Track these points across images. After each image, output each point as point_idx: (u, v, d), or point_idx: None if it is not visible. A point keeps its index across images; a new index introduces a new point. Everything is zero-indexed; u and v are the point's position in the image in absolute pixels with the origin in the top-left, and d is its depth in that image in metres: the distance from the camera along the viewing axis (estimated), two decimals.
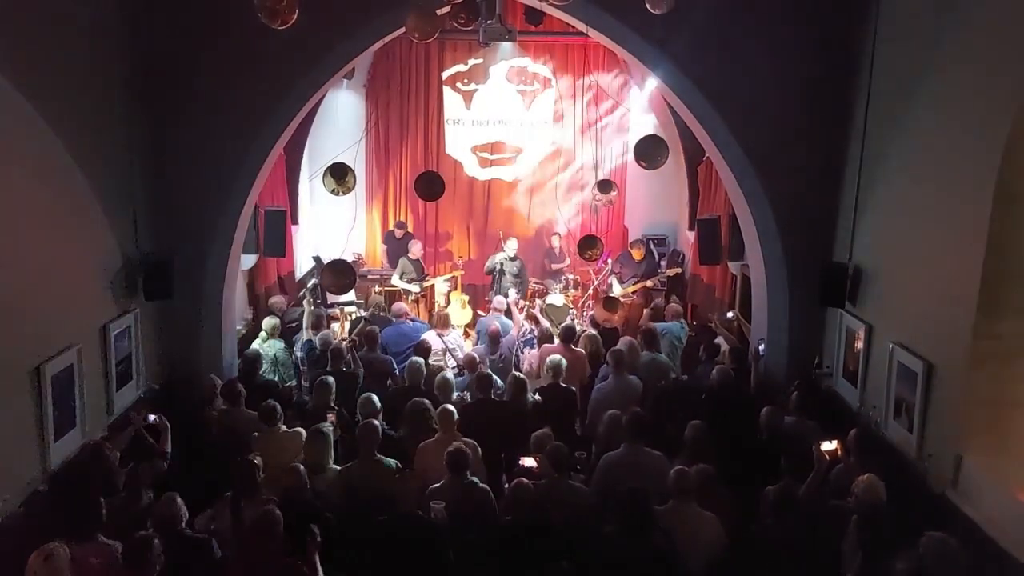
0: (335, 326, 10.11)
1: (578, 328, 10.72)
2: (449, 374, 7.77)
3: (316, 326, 9.21)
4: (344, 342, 8.51)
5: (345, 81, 12.56)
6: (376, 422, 6.07)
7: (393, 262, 12.58)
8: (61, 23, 5.98)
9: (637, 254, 12.02)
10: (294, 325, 9.55)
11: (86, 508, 4.79)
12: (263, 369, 8.08)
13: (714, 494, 5.49)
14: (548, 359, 7.75)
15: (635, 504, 4.99)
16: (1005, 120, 5.09)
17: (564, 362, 7.68)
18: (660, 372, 8.28)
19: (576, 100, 13.81)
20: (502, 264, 11.93)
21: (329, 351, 8.06)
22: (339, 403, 7.01)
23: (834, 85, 7.54)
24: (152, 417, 6.29)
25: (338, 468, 5.98)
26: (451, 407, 6.52)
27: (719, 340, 9.08)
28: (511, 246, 12.07)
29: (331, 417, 6.61)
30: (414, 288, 11.95)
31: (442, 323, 9.38)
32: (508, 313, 9.94)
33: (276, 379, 8.33)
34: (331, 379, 7.14)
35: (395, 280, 12.05)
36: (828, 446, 5.73)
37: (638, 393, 7.46)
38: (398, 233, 13.10)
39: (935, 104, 6.09)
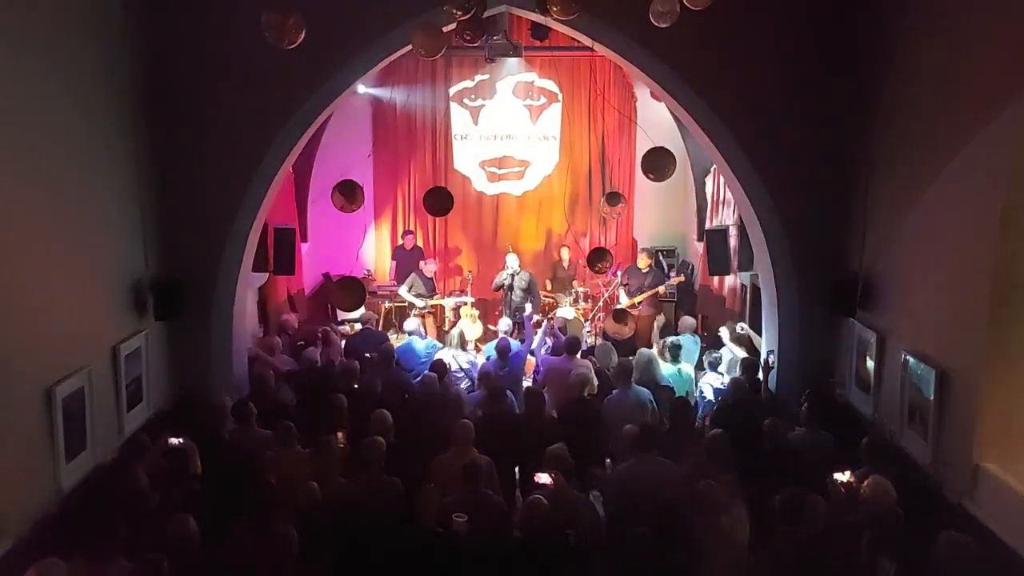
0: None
1: (589, 341, 10.75)
2: (462, 389, 7.76)
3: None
4: (365, 357, 8.52)
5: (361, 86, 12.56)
6: (382, 439, 6.04)
7: (400, 276, 12.56)
8: (69, 48, 6.03)
9: (643, 265, 12.00)
10: (303, 343, 9.54)
11: (106, 529, 4.79)
12: (275, 388, 8.06)
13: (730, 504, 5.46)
14: (574, 373, 7.76)
15: (666, 514, 5.00)
16: (1015, 127, 5.08)
17: (590, 375, 7.76)
18: (685, 384, 8.45)
19: (583, 113, 13.84)
20: (511, 279, 11.91)
21: (339, 370, 8.04)
22: (352, 420, 6.99)
23: (842, 95, 7.53)
24: (177, 440, 6.28)
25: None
26: (467, 421, 6.50)
27: (728, 350, 9.06)
28: (512, 261, 12.05)
29: (340, 433, 6.60)
30: (420, 303, 11.92)
31: (457, 342, 9.36)
32: (512, 333, 9.94)
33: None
34: (342, 397, 7.11)
35: (402, 292, 12.01)
36: (842, 478, 5.71)
37: (645, 405, 7.42)
38: (408, 243, 13.10)
39: (944, 112, 6.07)
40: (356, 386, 7.79)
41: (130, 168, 7.00)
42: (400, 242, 13.41)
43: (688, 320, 10.03)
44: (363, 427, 6.79)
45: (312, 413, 7.29)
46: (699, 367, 9.09)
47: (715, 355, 8.76)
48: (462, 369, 9.00)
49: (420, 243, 13.57)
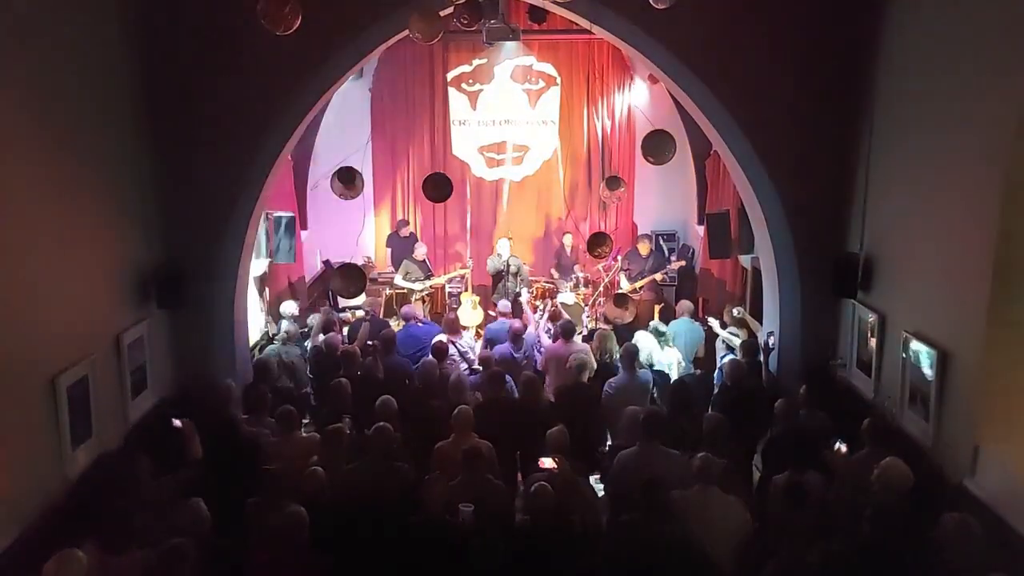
0: (345, 330, 10.12)
1: (591, 326, 10.75)
2: (463, 374, 7.76)
3: (325, 330, 9.23)
4: (367, 344, 8.53)
5: (356, 76, 12.50)
6: (388, 425, 6.07)
7: (397, 264, 12.55)
8: (69, 39, 6.01)
9: (644, 250, 12.01)
10: (306, 330, 9.57)
11: (117, 519, 4.81)
12: (276, 375, 8.09)
13: (733, 485, 5.49)
14: (573, 356, 7.75)
15: (650, 494, 5.01)
16: (1015, 105, 5.06)
17: (589, 359, 7.79)
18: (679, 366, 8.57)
19: (582, 97, 13.80)
20: (507, 265, 11.91)
21: (341, 355, 8.05)
22: (355, 407, 7.01)
23: (842, 75, 7.50)
24: (176, 422, 6.30)
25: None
26: (467, 407, 6.51)
27: (730, 335, 9.08)
28: (503, 247, 11.96)
29: (347, 419, 6.62)
30: (417, 287, 11.91)
31: (451, 328, 9.37)
32: (513, 315, 9.94)
33: (291, 385, 8.34)
34: (345, 381, 7.13)
35: (398, 280, 11.99)
36: (839, 447, 5.74)
37: (648, 389, 7.44)
38: (403, 232, 13.07)
39: (945, 90, 6.05)
40: (358, 373, 7.82)
41: (131, 157, 6.99)
42: (394, 231, 13.37)
43: (685, 304, 10.05)
44: (369, 413, 6.84)
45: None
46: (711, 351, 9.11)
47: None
48: (459, 353, 9.02)
49: (419, 229, 13.52)
